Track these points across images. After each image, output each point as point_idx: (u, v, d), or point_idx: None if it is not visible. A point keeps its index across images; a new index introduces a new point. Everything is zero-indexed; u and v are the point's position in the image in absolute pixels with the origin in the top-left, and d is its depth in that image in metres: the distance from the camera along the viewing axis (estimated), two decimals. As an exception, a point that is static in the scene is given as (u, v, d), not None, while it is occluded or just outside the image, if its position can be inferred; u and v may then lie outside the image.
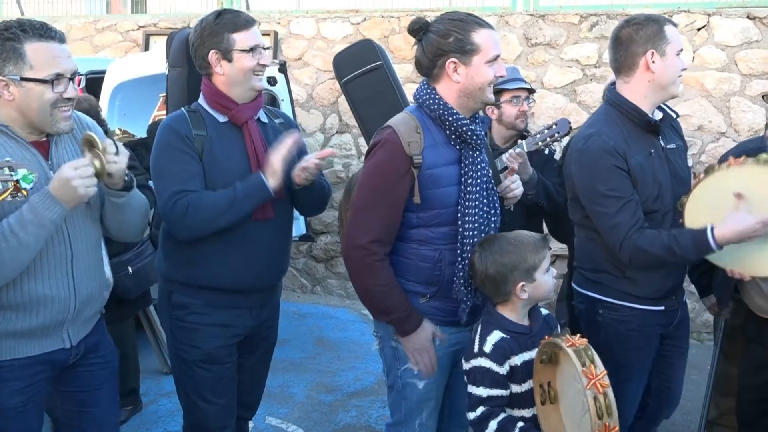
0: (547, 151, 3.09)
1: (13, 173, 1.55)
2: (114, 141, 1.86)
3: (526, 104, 3.08)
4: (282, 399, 3.79)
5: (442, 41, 1.99)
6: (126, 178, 1.91)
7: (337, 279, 5.71)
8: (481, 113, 2.23)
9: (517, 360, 1.99)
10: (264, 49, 2.25)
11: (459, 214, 2.03)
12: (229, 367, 2.34)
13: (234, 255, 2.24)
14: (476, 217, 2.04)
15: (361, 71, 3.29)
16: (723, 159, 2.41)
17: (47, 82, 1.78)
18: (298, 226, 4.42)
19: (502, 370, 1.97)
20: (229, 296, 2.28)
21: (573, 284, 2.47)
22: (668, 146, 2.29)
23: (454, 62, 1.99)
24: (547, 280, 2.01)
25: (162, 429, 3.45)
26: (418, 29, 2.05)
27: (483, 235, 2.07)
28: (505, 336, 1.99)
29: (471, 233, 2.03)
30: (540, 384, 1.96)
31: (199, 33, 2.22)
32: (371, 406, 3.75)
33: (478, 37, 1.98)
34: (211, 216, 2.13)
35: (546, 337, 1.94)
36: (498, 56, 2.02)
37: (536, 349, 1.97)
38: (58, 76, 1.80)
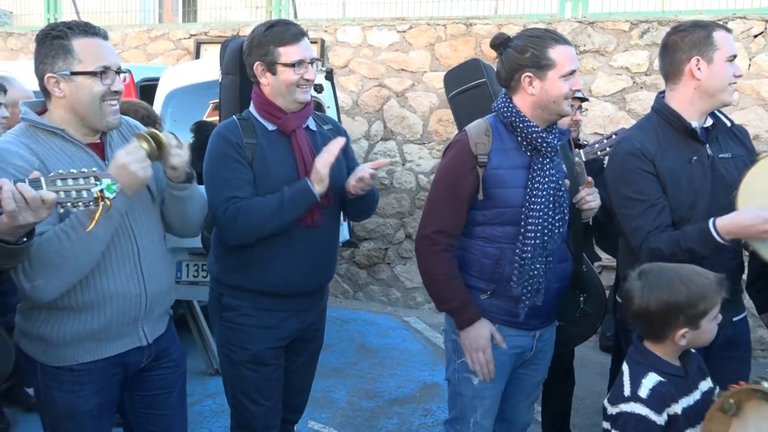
0: (606, 161, 3.04)
1: (98, 183, 1.55)
2: (175, 134, 1.92)
3: (578, 113, 3.04)
4: (324, 404, 3.81)
5: (519, 56, 2.10)
6: (187, 170, 1.97)
7: (379, 285, 5.73)
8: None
9: (677, 408, 1.75)
10: (311, 63, 2.24)
11: (522, 215, 2.10)
12: (275, 368, 2.38)
13: (281, 260, 2.28)
14: (540, 220, 2.09)
15: (465, 87, 3.45)
16: None
17: (96, 75, 1.83)
18: (342, 233, 4.45)
19: (660, 419, 1.72)
20: (276, 300, 2.32)
21: (616, 295, 2.42)
22: (720, 155, 2.22)
23: (529, 76, 2.10)
24: (712, 327, 1.79)
25: (207, 429, 3.51)
26: (499, 44, 2.17)
27: (546, 238, 2.10)
28: (662, 380, 1.76)
29: (533, 234, 2.09)
30: None
31: (249, 43, 2.27)
32: (413, 414, 3.74)
33: (554, 53, 2.07)
34: (259, 221, 2.18)
35: (739, 383, 1.71)
36: (574, 71, 2.09)
37: (692, 395, 1.78)
38: (106, 69, 1.85)
